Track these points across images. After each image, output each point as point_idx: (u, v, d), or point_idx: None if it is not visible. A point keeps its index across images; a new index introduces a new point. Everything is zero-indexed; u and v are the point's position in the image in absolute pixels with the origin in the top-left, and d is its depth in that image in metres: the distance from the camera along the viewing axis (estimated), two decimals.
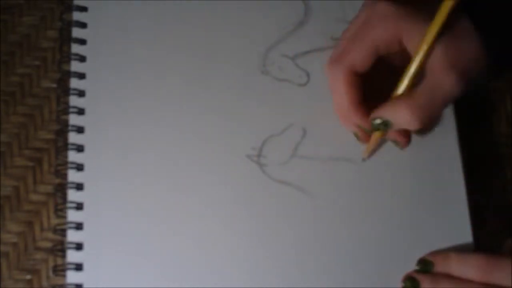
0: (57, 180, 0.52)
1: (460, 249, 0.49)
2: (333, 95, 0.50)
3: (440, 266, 0.48)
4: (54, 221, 0.52)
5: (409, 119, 0.45)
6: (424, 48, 0.44)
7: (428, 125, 0.46)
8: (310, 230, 0.50)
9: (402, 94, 0.46)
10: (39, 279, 0.52)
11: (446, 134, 0.52)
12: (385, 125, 0.47)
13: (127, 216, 0.50)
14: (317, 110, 0.52)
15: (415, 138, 0.52)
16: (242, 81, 0.53)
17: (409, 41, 0.45)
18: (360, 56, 0.47)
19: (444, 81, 0.44)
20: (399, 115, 0.46)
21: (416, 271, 0.48)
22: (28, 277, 0.52)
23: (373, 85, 0.49)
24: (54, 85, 0.55)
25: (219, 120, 0.52)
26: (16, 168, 0.54)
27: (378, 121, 0.47)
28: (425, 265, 0.48)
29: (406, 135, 0.51)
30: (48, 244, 0.52)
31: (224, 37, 0.54)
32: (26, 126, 0.55)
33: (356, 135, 0.51)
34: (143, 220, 0.50)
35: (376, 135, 0.50)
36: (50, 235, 0.52)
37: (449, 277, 0.47)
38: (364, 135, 0.50)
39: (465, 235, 0.50)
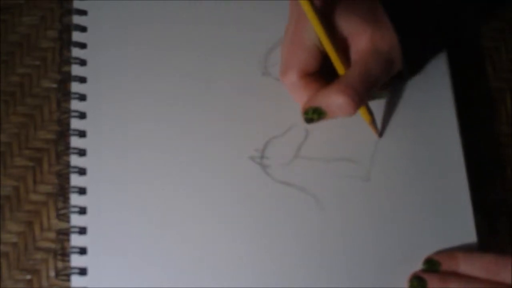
0: (58, 183, 0.52)
1: (465, 249, 0.50)
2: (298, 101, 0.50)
3: (447, 265, 0.48)
4: (54, 221, 0.52)
5: (341, 103, 0.46)
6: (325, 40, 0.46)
7: (359, 107, 0.46)
8: (313, 231, 0.50)
9: (333, 82, 0.47)
10: (39, 279, 0.52)
11: (449, 134, 0.52)
12: (318, 113, 0.47)
13: (131, 220, 0.50)
14: None
15: (416, 138, 0.52)
16: (244, 82, 0.53)
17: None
18: (305, 59, 0.47)
19: (371, 64, 0.46)
20: (331, 100, 0.46)
21: (423, 271, 0.49)
22: (28, 277, 0.52)
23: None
24: (54, 85, 0.55)
25: (221, 122, 0.52)
26: (16, 168, 0.54)
27: (309, 111, 0.47)
28: (432, 265, 0.48)
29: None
30: (48, 244, 0.52)
31: (225, 39, 0.54)
32: (26, 126, 0.54)
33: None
34: (147, 223, 0.50)
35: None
36: (50, 235, 0.52)
37: (456, 275, 0.47)
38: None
39: (470, 235, 0.50)
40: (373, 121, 0.51)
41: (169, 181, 0.51)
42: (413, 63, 0.51)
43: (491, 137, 0.55)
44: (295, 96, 0.49)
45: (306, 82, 0.48)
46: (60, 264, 0.51)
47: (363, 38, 0.47)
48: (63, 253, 0.51)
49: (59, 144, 0.52)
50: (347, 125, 0.52)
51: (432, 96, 0.53)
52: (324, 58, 0.48)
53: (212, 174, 0.51)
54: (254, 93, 0.53)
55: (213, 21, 0.55)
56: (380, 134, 0.52)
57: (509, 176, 0.54)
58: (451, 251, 0.49)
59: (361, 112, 0.50)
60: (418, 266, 0.49)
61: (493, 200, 0.54)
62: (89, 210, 0.50)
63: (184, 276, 0.49)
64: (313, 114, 0.47)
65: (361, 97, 0.46)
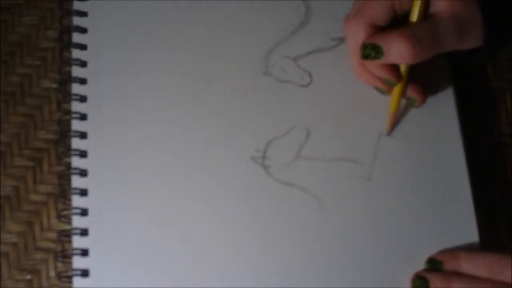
0: (58, 184, 0.52)
1: (468, 248, 0.50)
2: (353, 48, 0.50)
3: (449, 264, 0.48)
4: (55, 221, 0.52)
5: (402, 48, 0.46)
6: None
7: (417, 61, 0.46)
8: (315, 231, 0.50)
9: (400, 28, 0.47)
10: (39, 279, 0.52)
11: (450, 134, 0.52)
12: (377, 51, 0.47)
13: (132, 221, 0.50)
14: (320, 110, 0.53)
15: (417, 137, 0.52)
16: (245, 83, 0.53)
17: None
18: (379, 9, 0.48)
19: (444, 27, 0.46)
20: (393, 42, 0.46)
21: (425, 270, 0.49)
22: (28, 277, 0.52)
23: None
24: (54, 85, 0.55)
25: (223, 123, 0.52)
26: (16, 168, 0.54)
27: (369, 46, 0.47)
28: (434, 264, 0.48)
29: (422, 92, 0.51)
30: (48, 244, 0.52)
31: (225, 40, 0.54)
32: (26, 126, 0.54)
33: (378, 88, 0.51)
34: (148, 224, 0.50)
35: (396, 89, 0.50)
36: (50, 235, 0.52)
37: (458, 275, 0.47)
38: (386, 86, 0.50)
39: (471, 234, 0.50)
40: (394, 115, 0.51)
41: (170, 182, 0.51)
42: (494, 43, 0.50)
43: (491, 137, 0.55)
44: (353, 38, 0.49)
45: (369, 31, 0.48)
46: (60, 265, 0.51)
47: (445, 1, 0.47)
48: (65, 255, 0.50)
49: (60, 145, 0.52)
50: (348, 125, 0.52)
51: (433, 96, 0.53)
52: (394, 17, 0.48)
53: (213, 174, 0.51)
54: (255, 93, 0.53)
55: (214, 22, 0.55)
56: (389, 132, 0.52)
57: (509, 176, 0.54)
58: (453, 251, 0.49)
59: (392, 98, 0.51)
60: (420, 265, 0.49)
61: (493, 199, 0.54)
62: (90, 212, 0.50)
63: (185, 277, 0.49)
64: (371, 50, 0.47)
65: (422, 51, 0.46)
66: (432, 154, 0.52)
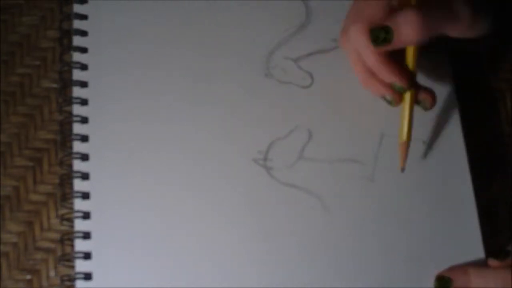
0: (60, 185, 0.52)
1: (470, 249, 0.50)
2: (356, 58, 0.49)
3: (459, 281, 0.48)
4: (55, 221, 0.52)
5: (412, 22, 0.45)
6: None
7: (426, 38, 0.45)
8: (318, 232, 0.50)
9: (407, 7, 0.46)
10: (39, 279, 0.52)
11: (452, 134, 0.53)
12: (386, 31, 0.46)
13: (135, 223, 0.50)
14: (322, 111, 0.53)
15: (419, 137, 0.52)
16: (246, 84, 0.53)
17: None
18: (376, 10, 0.47)
19: (458, 9, 0.46)
20: (402, 18, 0.45)
21: None
22: (28, 277, 0.52)
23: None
24: (54, 85, 0.55)
25: (224, 125, 0.52)
26: (16, 168, 0.54)
27: (377, 28, 0.46)
28: (444, 282, 0.48)
29: (431, 91, 0.49)
30: (48, 244, 0.52)
31: (226, 42, 0.54)
32: (26, 126, 0.54)
33: (386, 98, 0.49)
34: (151, 227, 0.50)
35: (407, 98, 0.49)
36: (50, 235, 0.52)
37: None
38: (396, 94, 0.49)
39: (474, 234, 0.50)
40: (407, 146, 0.50)
41: (172, 185, 0.51)
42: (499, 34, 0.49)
43: (491, 137, 0.55)
44: (355, 44, 0.48)
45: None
46: (63, 269, 0.51)
47: None
48: (67, 259, 0.50)
49: (61, 149, 0.52)
50: (350, 126, 0.53)
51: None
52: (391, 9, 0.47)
53: (216, 177, 0.51)
54: (257, 94, 0.53)
55: (215, 24, 0.55)
56: (403, 169, 0.51)
57: (509, 176, 0.55)
58: (462, 267, 0.49)
59: (402, 123, 0.50)
60: (422, 265, 0.50)
61: (494, 199, 0.54)
62: (93, 215, 0.50)
63: (189, 279, 0.49)
64: (381, 32, 0.46)
65: (430, 26, 0.45)
66: (434, 153, 0.52)
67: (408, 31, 0.45)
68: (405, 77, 0.48)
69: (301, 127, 0.52)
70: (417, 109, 0.50)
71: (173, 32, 0.55)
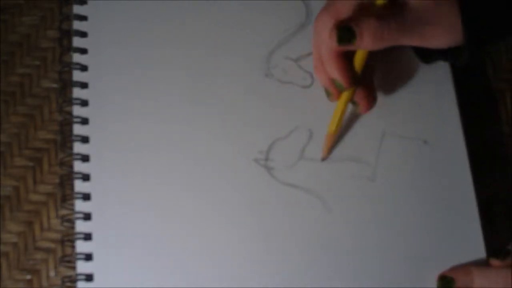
0: (60, 189, 0.52)
1: (470, 249, 0.50)
2: (316, 43, 0.50)
3: (462, 281, 0.48)
4: (54, 221, 0.52)
5: (371, 35, 0.45)
6: None
7: (379, 46, 0.46)
8: (319, 231, 0.50)
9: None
10: (39, 279, 0.52)
11: (453, 134, 0.53)
12: (350, 33, 0.46)
13: (136, 224, 0.50)
14: (322, 111, 0.52)
15: (420, 136, 0.52)
16: (247, 84, 0.53)
17: None
18: (344, 4, 0.47)
19: (414, 14, 0.46)
20: (366, 27, 0.46)
21: None
22: (28, 277, 0.52)
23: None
24: (54, 85, 0.55)
25: (225, 125, 0.52)
26: (16, 168, 0.54)
27: (342, 30, 0.46)
28: (446, 282, 0.48)
29: (366, 97, 0.50)
30: (48, 244, 0.52)
31: (226, 42, 0.54)
32: (26, 126, 0.54)
33: (327, 92, 0.51)
34: (152, 227, 0.50)
35: (343, 97, 0.49)
36: (50, 235, 0.52)
37: None
38: (335, 91, 0.49)
39: (475, 231, 0.50)
40: (333, 139, 0.51)
41: (173, 186, 0.51)
42: (476, 45, 0.48)
43: (491, 136, 0.56)
44: (318, 33, 0.49)
45: (335, 24, 0.47)
46: (63, 270, 0.51)
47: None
48: (68, 260, 0.50)
49: (61, 150, 0.52)
50: (351, 125, 0.53)
51: (435, 96, 0.53)
52: (359, 9, 0.48)
53: (217, 177, 0.51)
54: (257, 94, 0.53)
55: (215, 23, 0.55)
56: (325, 157, 0.52)
57: (509, 176, 0.55)
58: (465, 267, 0.49)
59: (334, 116, 0.50)
60: (423, 265, 0.50)
61: (493, 199, 0.54)
62: (94, 216, 0.50)
63: (190, 279, 0.49)
64: (345, 33, 0.46)
65: (390, 34, 0.46)
66: (435, 154, 0.52)
67: (368, 39, 0.46)
68: (347, 77, 0.48)
69: (301, 127, 0.52)
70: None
71: (173, 32, 0.55)
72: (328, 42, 0.47)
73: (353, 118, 0.53)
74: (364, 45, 0.46)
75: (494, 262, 0.49)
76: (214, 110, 0.53)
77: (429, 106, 0.53)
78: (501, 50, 0.58)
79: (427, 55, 0.51)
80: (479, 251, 0.50)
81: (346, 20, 0.47)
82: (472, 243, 0.50)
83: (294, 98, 0.52)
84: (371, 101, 0.51)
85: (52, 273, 0.52)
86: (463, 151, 0.52)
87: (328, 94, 0.51)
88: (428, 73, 0.54)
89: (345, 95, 0.50)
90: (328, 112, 0.52)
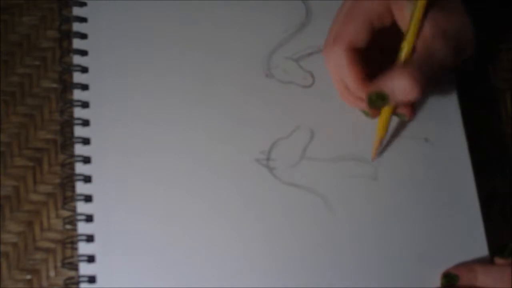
0: (61, 191, 0.52)
1: (473, 247, 0.50)
2: (337, 75, 0.50)
3: (466, 279, 0.48)
4: (54, 221, 0.52)
5: (407, 87, 0.45)
6: (416, 16, 0.45)
7: (424, 92, 0.46)
8: (321, 231, 0.50)
9: (397, 65, 0.47)
10: (39, 279, 0.51)
11: (454, 133, 0.53)
12: (382, 98, 0.46)
13: (138, 226, 0.50)
14: (323, 110, 0.53)
15: (422, 136, 0.53)
16: (247, 85, 0.53)
17: (397, 11, 0.47)
18: (357, 31, 0.47)
19: (436, 47, 0.46)
20: (395, 84, 0.46)
21: (442, 286, 0.49)
22: (28, 277, 0.51)
23: (369, 65, 0.49)
24: (54, 85, 0.55)
25: (226, 126, 0.52)
26: (16, 168, 0.54)
27: (373, 96, 0.46)
28: (450, 279, 0.48)
29: (409, 105, 0.50)
30: (48, 244, 0.52)
31: (227, 42, 0.54)
32: (26, 126, 0.54)
33: (365, 112, 0.51)
34: (154, 228, 0.50)
35: (384, 113, 0.49)
36: (51, 235, 0.52)
37: None
38: (374, 110, 0.49)
39: (477, 232, 0.50)
40: (381, 141, 0.51)
41: (175, 186, 0.51)
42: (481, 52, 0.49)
43: (491, 137, 0.56)
44: (336, 65, 0.49)
45: (351, 56, 0.47)
46: (64, 271, 0.51)
47: (427, 22, 0.46)
48: (71, 262, 0.50)
49: (62, 152, 0.52)
50: (352, 124, 0.53)
51: (437, 97, 0.54)
52: (373, 38, 0.48)
53: (218, 178, 0.51)
54: (258, 95, 0.53)
55: (216, 23, 0.55)
56: (374, 158, 0.52)
57: (509, 176, 0.55)
58: (469, 264, 0.49)
59: (379, 122, 0.50)
60: (426, 264, 0.50)
61: (494, 199, 0.54)
62: (96, 218, 0.50)
63: (193, 280, 0.49)
64: (377, 99, 0.46)
65: (425, 81, 0.45)
66: (437, 153, 0.52)
67: (404, 96, 0.46)
68: None
69: (303, 127, 0.52)
70: (420, 107, 0.51)
71: (173, 33, 0.54)
72: (350, 75, 0.48)
73: (354, 118, 0.53)
74: (404, 100, 0.46)
75: (499, 260, 0.49)
76: (215, 111, 0.53)
77: (430, 104, 0.53)
78: (501, 50, 0.58)
79: None
80: (481, 249, 0.50)
81: (375, 83, 0.46)
82: (474, 242, 0.50)
83: (295, 98, 0.52)
84: (414, 105, 0.50)
85: (52, 273, 0.51)
86: (465, 150, 0.52)
87: (366, 114, 0.51)
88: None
89: (385, 111, 0.49)
90: (329, 111, 0.52)
